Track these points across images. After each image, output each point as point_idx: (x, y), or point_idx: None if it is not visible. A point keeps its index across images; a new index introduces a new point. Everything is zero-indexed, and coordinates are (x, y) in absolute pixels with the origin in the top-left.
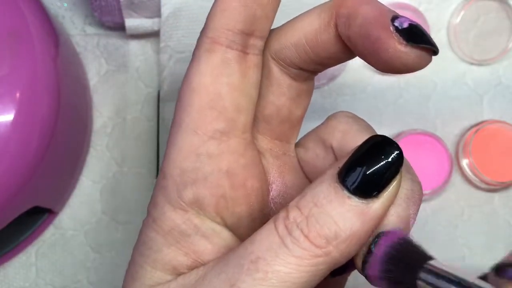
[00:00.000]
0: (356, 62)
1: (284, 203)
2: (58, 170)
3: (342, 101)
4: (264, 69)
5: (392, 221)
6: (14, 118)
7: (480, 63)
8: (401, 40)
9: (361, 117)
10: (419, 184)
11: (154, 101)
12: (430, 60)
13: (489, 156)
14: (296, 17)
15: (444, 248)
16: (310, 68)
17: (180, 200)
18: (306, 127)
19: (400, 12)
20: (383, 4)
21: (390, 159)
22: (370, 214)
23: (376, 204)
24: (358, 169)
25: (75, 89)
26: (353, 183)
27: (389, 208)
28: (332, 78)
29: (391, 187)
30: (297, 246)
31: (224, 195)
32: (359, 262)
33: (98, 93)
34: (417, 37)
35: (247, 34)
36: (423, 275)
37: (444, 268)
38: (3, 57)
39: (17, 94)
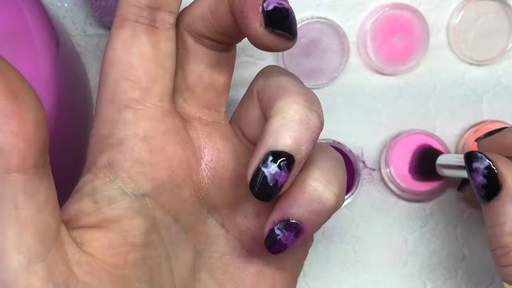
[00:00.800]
0: (356, 62)
1: (217, 167)
2: (58, 170)
3: (342, 101)
4: (180, 41)
5: None
6: None
7: (479, 64)
8: (261, 22)
9: (361, 117)
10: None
11: None
12: (289, 45)
13: None
14: None
15: (444, 248)
16: (220, 40)
17: (94, 165)
18: None
19: (399, 12)
20: None
21: None
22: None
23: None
24: None
25: (76, 89)
26: None
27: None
28: (332, 78)
29: None
30: None
31: (140, 159)
32: None
33: None
34: (276, 22)
35: (154, 9)
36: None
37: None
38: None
39: None
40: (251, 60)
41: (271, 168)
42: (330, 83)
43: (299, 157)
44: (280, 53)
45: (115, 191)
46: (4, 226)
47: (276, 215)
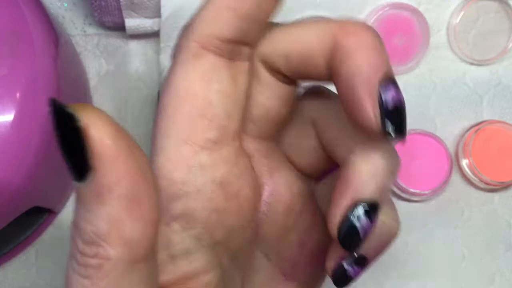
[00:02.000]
0: None
1: (274, 202)
2: (58, 170)
3: None
4: (253, 72)
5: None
6: (14, 118)
7: (480, 63)
8: (376, 113)
9: None
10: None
11: (154, 101)
12: (395, 142)
13: (489, 156)
14: (292, 26)
15: (444, 248)
16: (295, 78)
17: (166, 213)
18: None
19: (400, 12)
20: (382, 55)
21: (59, 128)
22: (100, 189)
23: (98, 176)
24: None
25: (75, 89)
26: (69, 171)
27: (121, 164)
28: None
29: (91, 146)
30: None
31: (217, 208)
32: None
33: (98, 93)
34: (391, 119)
35: (237, 42)
36: None
37: None
38: (3, 57)
39: (17, 94)
40: None
41: (360, 218)
42: (331, 83)
43: (383, 203)
44: None
45: (191, 243)
46: None
47: (346, 253)
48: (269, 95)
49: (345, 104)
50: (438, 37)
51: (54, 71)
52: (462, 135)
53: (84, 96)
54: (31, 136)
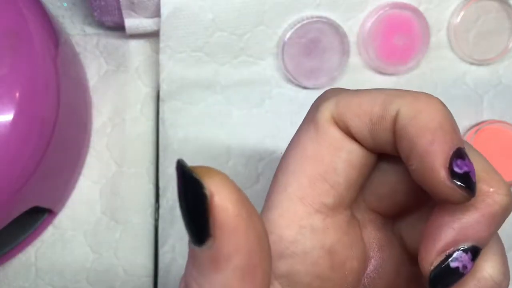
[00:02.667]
0: (356, 62)
1: (377, 278)
2: (57, 170)
3: None
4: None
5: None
6: (13, 118)
7: (480, 63)
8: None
9: None
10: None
11: (154, 101)
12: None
13: (489, 156)
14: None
15: None
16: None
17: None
18: None
19: (400, 11)
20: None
21: (185, 190)
22: (219, 257)
23: (216, 243)
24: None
25: (75, 89)
26: (187, 232)
27: (239, 234)
28: (332, 78)
29: (213, 214)
30: None
31: (321, 275)
32: None
33: (98, 93)
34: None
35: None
36: None
37: None
38: (3, 57)
39: (17, 94)
40: (251, 60)
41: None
42: (330, 83)
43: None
44: (280, 53)
45: None
46: None
47: None
48: (399, 179)
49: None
50: (438, 37)
51: (54, 70)
52: (462, 135)
53: (83, 96)
54: (30, 136)
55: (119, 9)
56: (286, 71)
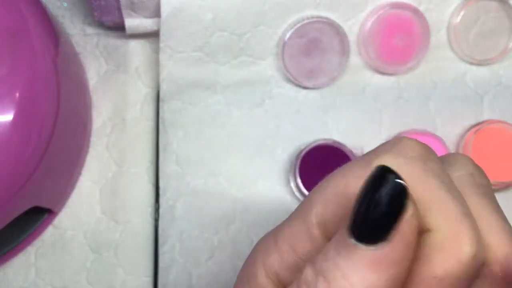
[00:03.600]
0: (356, 62)
1: None
2: (57, 170)
3: (342, 101)
4: None
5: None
6: (13, 118)
7: (480, 63)
8: None
9: (361, 117)
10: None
11: (154, 101)
12: None
13: (489, 156)
14: None
15: None
16: None
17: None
18: (307, 125)
19: (400, 11)
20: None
21: (387, 192)
22: (383, 261)
23: (387, 248)
24: (361, 211)
25: (75, 89)
26: (358, 228)
27: (408, 249)
28: (332, 78)
29: (402, 224)
30: None
31: None
32: None
33: (98, 93)
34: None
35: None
36: None
37: None
38: (2, 57)
39: (17, 94)
40: (251, 60)
41: None
42: (330, 83)
43: None
44: (280, 53)
45: None
46: None
47: None
48: None
49: None
50: (438, 36)
51: (54, 70)
52: (462, 135)
53: (83, 96)
54: (30, 135)
55: (119, 9)
56: (286, 71)
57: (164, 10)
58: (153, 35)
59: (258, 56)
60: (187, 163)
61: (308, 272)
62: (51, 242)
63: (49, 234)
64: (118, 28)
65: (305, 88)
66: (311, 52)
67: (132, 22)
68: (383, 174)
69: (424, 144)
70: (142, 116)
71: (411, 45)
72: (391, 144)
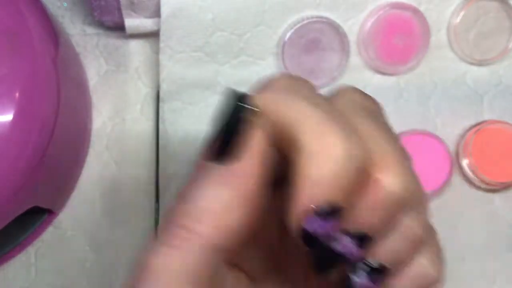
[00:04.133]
0: (356, 62)
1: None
2: (57, 170)
3: None
4: None
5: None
6: (13, 118)
7: (480, 63)
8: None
9: None
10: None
11: (154, 101)
12: None
13: (489, 156)
14: None
15: (444, 249)
16: None
17: None
18: None
19: (400, 11)
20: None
21: (233, 114)
22: (234, 177)
23: (237, 165)
24: (213, 134)
25: (75, 89)
26: (211, 150)
27: (256, 164)
28: (332, 78)
29: (249, 141)
30: (165, 234)
31: None
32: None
33: (98, 93)
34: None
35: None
36: None
37: None
38: (2, 57)
39: (17, 94)
40: (251, 60)
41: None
42: (330, 83)
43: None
44: (280, 53)
45: None
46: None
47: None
48: None
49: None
50: (438, 37)
51: (54, 70)
52: (462, 135)
53: (83, 96)
54: (30, 135)
55: (119, 9)
56: (286, 71)
57: (164, 10)
58: (153, 35)
59: (258, 56)
60: (187, 163)
61: (173, 200)
62: (51, 242)
63: (49, 234)
64: (118, 28)
65: None
66: (311, 52)
67: (132, 22)
68: (232, 100)
69: (294, 76)
70: (142, 116)
71: (411, 45)
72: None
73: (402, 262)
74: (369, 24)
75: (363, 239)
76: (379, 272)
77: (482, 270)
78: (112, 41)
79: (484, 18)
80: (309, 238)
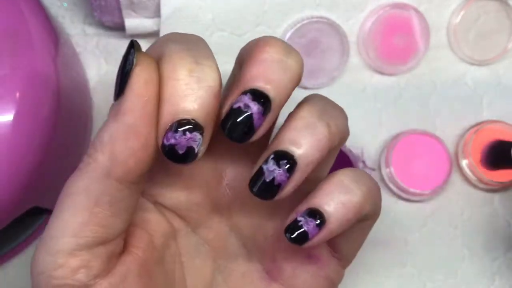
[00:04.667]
0: (356, 62)
1: (238, 187)
2: (58, 170)
3: (342, 101)
4: None
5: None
6: (13, 118)
7: (480, 63)
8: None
9: (361, 117)
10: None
11: None
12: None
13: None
14: None
15: (444, 248)
16: None
17: None
18: None
19: (400, 11)
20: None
21: (125, 58)
22: (119, 111)
23: (122, 100)
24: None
25: (75, 89)
26: (114, 90)
27: (137, 99)
28: (332, 78)
29: (131, 79)
30: (81, 161)
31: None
32: None
33: (98, 93)
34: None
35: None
36: None
37: None
38: (3, 57)
39: (17, 94)
40: None
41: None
42: (330, 83)
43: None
44: None
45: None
46: (76, 212)
47: (301, 206)
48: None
49: None
50: (438, 37)
51: (54, 70)
52: (462, 135)
53: (84, 96)
54: (30, 136)
55: (119, 9)
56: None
57: (164, 10)
58: (153, 35)
59: None
60: None
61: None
62: None
63: None
64: (118, 28)
65: (305, 88)
66: (311, 52)
67: (132, 22)
68: (128, 48)
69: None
70: None
71: (411, 45)
72: None
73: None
74: (369, 24)
75: (264, 100)
76: (286, 158)
77: (482, 270)
78: (112, 41)
79: (484, 18)
80: (167, 151)
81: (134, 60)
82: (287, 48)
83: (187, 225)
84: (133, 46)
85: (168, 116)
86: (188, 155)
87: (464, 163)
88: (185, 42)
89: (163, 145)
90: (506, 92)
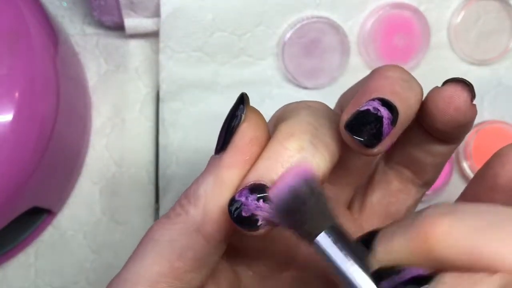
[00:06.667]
0: (357, 62)
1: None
2: (57, 170)
3: None
4: None
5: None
6: (13, 118)
7: (480, 63)
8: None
9: None
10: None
11: (153, 101)
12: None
13: (489, 156)
14: None
15: None
16: None
17: None
18: None
19: (400, 11)
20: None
21: (232, 114)
22: (219, 165)
23: (224, 155)
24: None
25: (74, 89)
26: (217, 143)
27: (239, 155)
28: (332, 78)
29: (235, 136)
30: (171, 209)
31: None
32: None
33: (97, 93)
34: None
35: None
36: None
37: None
38: (2, 57)
39: (16, 94)
40: (251, 60)
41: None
42: (330, 83)
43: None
44: (280, 53)
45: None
46: (157, 260)
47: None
48: None
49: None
50: (438, 37)
51: (53, 70)
52: None
53: (83, 96)
54: (30, 135)
55: (119, 9)
56: (286, 71)
57: (164, 10)
58: (153, 35)
59: (258, 56)
60: (187, 163)
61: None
62: (51, 242)
63: (49, 234)
64: (118, 28)
65: (305, 88)
66: (311, 52)
67: (132, 22)
68: (236, 101)
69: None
70: (142, 116)
71: (411, 45)
72: None
73: None
74: (369, 24)
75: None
76: None
77: None
78: (112, 41)
79: (484, 18)
80: (233, 205)
81: (243, 116)
82: (409, 73)
83: (253, 277)
84: (243, 101)
85: (255, 174)
86: (249, 222)
87: (464, 163)
88: (317, 119)
89: (233, 197)
90: (507, 92)
